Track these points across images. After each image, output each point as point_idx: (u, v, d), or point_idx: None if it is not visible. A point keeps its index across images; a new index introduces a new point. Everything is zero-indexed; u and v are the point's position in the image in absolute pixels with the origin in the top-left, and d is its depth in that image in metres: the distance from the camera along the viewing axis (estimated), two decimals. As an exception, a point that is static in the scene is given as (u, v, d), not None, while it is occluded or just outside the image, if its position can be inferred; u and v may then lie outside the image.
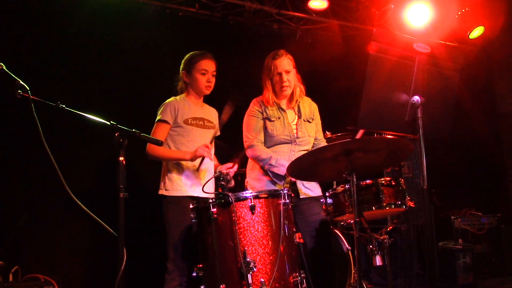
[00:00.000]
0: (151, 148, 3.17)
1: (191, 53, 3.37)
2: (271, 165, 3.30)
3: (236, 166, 3.18)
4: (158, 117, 3.24)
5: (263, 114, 3.41)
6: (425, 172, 2.81)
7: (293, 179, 3.30)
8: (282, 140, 3.39)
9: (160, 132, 3.20)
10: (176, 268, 3.07)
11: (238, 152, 3.34)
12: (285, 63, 3.38)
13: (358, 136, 3.94)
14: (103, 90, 4.37)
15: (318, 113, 3.59)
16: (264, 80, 3.45)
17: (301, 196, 3.34)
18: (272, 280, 2.56)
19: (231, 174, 3.05)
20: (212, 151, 3.30)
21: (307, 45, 5.65)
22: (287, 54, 3.43)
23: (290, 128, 3.42)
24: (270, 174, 3.35)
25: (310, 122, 3.50)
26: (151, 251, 4.08)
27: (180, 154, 3.18)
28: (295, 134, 3.41)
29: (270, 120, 3.40)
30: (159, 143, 2.49)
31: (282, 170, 3.26)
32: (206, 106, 3.46)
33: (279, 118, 3.41)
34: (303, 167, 2.82)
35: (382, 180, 3.15)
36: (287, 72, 3.38)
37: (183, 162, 3.20)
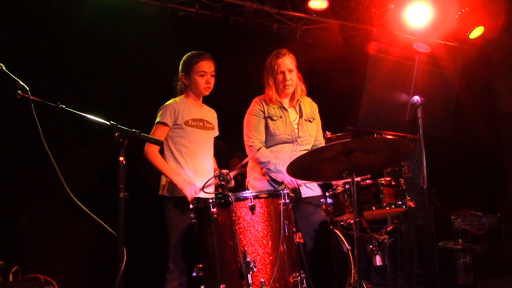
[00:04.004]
0: (150, 153, 3.14)
1: (188, 54, 3.35)
2: (269, 169, 3.30)
3: (233, 173, 3.18)
4: (157, 119, 3.23)
5: (264, 113, 3.41)
6: (425, 172, 2.82)
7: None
8: (283, 140, 3.39)
9: (159, 133, 3.19)
10: (177, 268, 3.07)
11: (237, 153, 3.35)
12: (288, 62, 3.40)
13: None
14: (103, 90, 4.36)
15: (318, 113, 3.60)
16: (267, 79, 3.46)
17: (302, 196, 3.34)
18: (272, 280, 2.56)
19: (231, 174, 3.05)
20: (211, 152, 3.35)
21: (307, 45, 5.65)
22: (290, 53, 3.45)
23: (292, 127, 3.42)
24: (268, 177, 3.35)
25: (311, 122, 3.51)
26: (151, 251, 4.09)
27: (174, 175, 3.11)
28: (297, 134, 3.41)
29: (272, 119, 3.40)
30: (158, 142, 2.49)
31: (279, 177, 3.26)
32: (205, 107, 3.46)
33: (280, 117, 3.41)
34: (303, 167, 2.82)
35: (382, 180, 3.15)
36: (290, 71, 3.40)
37: (183, 164, 3.19)
